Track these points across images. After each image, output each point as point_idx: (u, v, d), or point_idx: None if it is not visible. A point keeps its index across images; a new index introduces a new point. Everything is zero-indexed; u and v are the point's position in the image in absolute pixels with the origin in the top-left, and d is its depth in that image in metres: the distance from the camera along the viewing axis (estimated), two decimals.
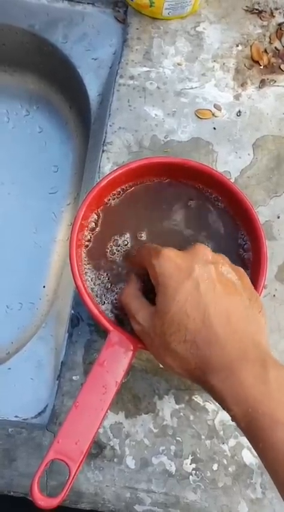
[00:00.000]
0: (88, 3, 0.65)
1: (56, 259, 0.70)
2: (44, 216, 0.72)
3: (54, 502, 0.35)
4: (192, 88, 0.59)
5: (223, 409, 0.35)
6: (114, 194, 0.47)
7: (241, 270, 0.40)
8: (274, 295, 0.52)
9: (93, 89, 0.62)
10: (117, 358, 0.39)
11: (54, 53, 0.65)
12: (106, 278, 0.45)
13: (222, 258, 0.39)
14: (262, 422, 0.32)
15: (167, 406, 0.49)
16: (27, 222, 0.71)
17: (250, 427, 0.33)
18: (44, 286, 0.68)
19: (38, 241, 0.71)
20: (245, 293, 0.38)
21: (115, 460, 0.47)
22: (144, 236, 0.46)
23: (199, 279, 0.36)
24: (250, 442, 0.34)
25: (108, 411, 0.47)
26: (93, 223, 0.46)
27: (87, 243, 0.46)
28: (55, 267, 0.70)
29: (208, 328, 0.35)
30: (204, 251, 0.38)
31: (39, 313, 0.66)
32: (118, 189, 0.48)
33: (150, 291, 0.40)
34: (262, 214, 0.55)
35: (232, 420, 0.35)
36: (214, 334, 0.35)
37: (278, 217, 0.55)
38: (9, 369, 0.53)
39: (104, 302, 0.44)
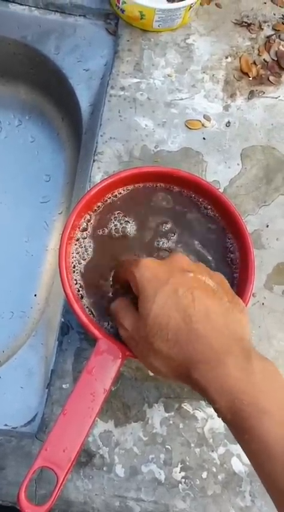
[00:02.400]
0: (80, 16, 0.65)
1: (48, 268, 0.70)
2: (35, 225, 0.72)
3: (41, 510, 0.35)
4: (181, 99, 0.60)
5: (209, 403, 0.35)
6: (104, 203, 0.48)
7: (220, 275, 0.41)
8: (262, 304, 0.53)
9: (84, 99, 0.63)
10: (105, 366, 0.39)
11: (46, 63, 0.65)
12: (97, 287, 0.45)
13: (200, 267, 0.41)
14: (247, 413, 0.33)
15: (157, 414, 0.49)
16: (19, 231, 0.72)
17: (236, 418, 0.33)
18: (35, 295, 0.68)
19: (30, 250, 0.71)
20: (226, 296, 0.39)
21: (104, 468, 0.47)
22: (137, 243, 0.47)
23: (177, 285, 0.37)
24: (235, 435, 0.35)
25: (97, 419, 0.48)
26: (84, 233, 0.47)
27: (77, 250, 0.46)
28: (46, 275, 0.70)
29: (189, 325, 0.36)
30: (181, 260, 0.40)
31: (30, 321, 0.66)
32: (108, 197, 0.48)
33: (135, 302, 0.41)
34: (251, 223, 0.55)
35: (217, 414, 0.35)
36: (194, 331, 0.35)
37: (267, 226, 0.55)
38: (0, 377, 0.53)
39: (93, 311, 0.44)
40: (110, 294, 0.45)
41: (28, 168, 0.74)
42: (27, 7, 0.66)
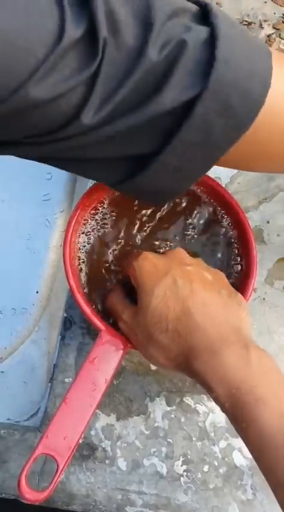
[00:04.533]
0: None
1: (50, 265, 0.71)
2: (37, 223, 0.72)
3: (41, 496, 0.36)
4: None
5: (207, 391, 0.36)
6: (109, 197, 0.48)
7: (219, 272, 0.42)
8: (263, 299, 0.53)
9: None
10: (107, 357, 0.40)
11: None
12: (101, 280, 0.46)
13: (198, 262, 0.41)
14: (244, 401, 0.33)
15: (158, 408, 0.49)
16: (20, 229, 0.72)
17: (233, 406, 0.34)
18: (37, 292, 0.69)
19: (31, 248, 0.71)
20: (224, 290, 0.39)
21: (106, 461, 0.48)
22: (138, 239, 0.47)
23: (177, 277, 0.38)
24: (233, 424, 0.35)
25: (99, 412, 0.48)
26: (88, 226, 0.47)
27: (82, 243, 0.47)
28: (48, 273, 0.70)
29: (188, 316, 0.36)
30: (181, 254, 0.41)
31: (32, 318, 0.67)
32: (114, 193, 0.49)
33: (134, 294, 0.41)
34: (252, 219, 0.56)
35: (216, 402, 0.36)
36: (193, 321, 0.36)
37: (268, 222, 0.56)
38: (2, 372, 0.53)
39: (97, 303, 0.45)
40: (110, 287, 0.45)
41: (29, 165, 0.74)
42: None
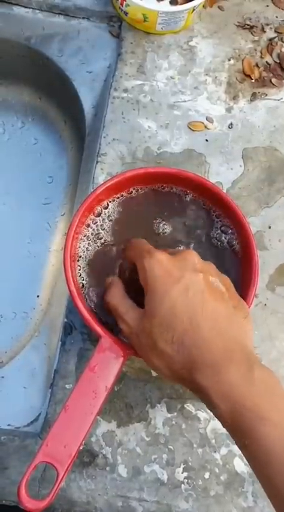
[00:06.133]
0: (83, 18, 0.66)
1: (50, 269, 0.70)
2: (38, 226, 0.72)
3: (41, 505, 0.35)
4: (184, 101, 0.60)
5: (209, 408, 0.36)
6: (109, 202, 0.48)
7: (228, 279, 0.41)
8: (265, 304, 0.53)
9: (87, 101, 0.63)
10: (107, 364, 0.39)
11: (50, 66, 0.66)
12: (101, 286, 0.45)
13: (210, 267, 0.40)
14: (247, 418, 0.33)
15: (159, 415, 0.49)
16: (21, 232, 0.72)
17: (236, 423, 0.34)
18: (37, 296, 0.68)
19: (32, 251, 0.71)
20: (231, 301, 0.39)
21: (107, 468, 0.47)
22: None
23: (189, 285, 0.37)
24: (235, 440, 0.35)
25: (99, 418, 0.48)
26: (89, 229, 0.47)
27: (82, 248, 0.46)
28: (49, 276, 0.70)
29: (195, 329, 0.36)
30: (194, 259, 0.39)
31: (33, 322, 0.66)
32: (114, 197, 0.48)
33: (134, 292, 0.41)
34: (254, 224, 0.55)
35: (218, 418, 0.35)
36: (200, 335, 0.36)
37: (270, 228, 0.56)
38: (3, 377, 0.53)
39: (97, 310, 0.45)
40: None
41: (31, 169, 0.75)
42: (31, 10, 0.66)
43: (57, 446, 0.37)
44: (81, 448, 0.38)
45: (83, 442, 0.38)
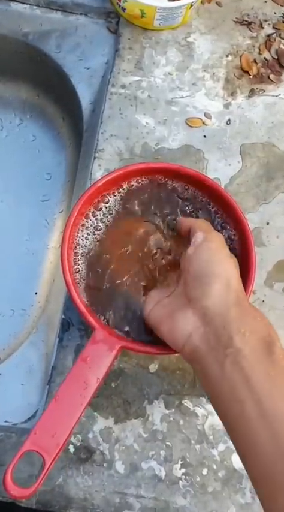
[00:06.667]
0: (81, 14, 0.66)
1: (48, 266, 0.70)
2: (36, 223, 0.72)
3: (26, 493, 0.36)
4: (182, 97, 0.60)
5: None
6: (110, 196, 0.48)
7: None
8: (263, 301, 0.53)
9: (85, 97, 0.63)
10: (100, 356, 0.39)
11: (48, 62, 0.66)
12: (98, 279, 0.45)
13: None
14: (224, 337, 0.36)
15: (157, 411, 0.49)
16: (19, 229, 0.72)
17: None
18: (35, 293, 0.68)
19: (30, 248, 0.71)
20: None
21: (104, 465, 0.47)
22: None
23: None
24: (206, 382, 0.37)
25: (95, 413, 0.48)
26: (86, 226, 0.47)
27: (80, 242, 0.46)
28: (47, 273, 0.70)
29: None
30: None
31: (31, 319, 0.66)
32: (115, 190, 0.48)
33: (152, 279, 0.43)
34: (252, 220, 0.55)
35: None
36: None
37: (268, 224, 0.55)
38: (0, 374, 0.53)
39: (92, 302, 0.45)
40: (107, 286, 0.45)
41: (29, 166, 0.74)
42: (28, 6, 0.66)
43: (46, 436, 0.37)
44: (69, 438, 0.38)
45: (72, 433, 0.38)
